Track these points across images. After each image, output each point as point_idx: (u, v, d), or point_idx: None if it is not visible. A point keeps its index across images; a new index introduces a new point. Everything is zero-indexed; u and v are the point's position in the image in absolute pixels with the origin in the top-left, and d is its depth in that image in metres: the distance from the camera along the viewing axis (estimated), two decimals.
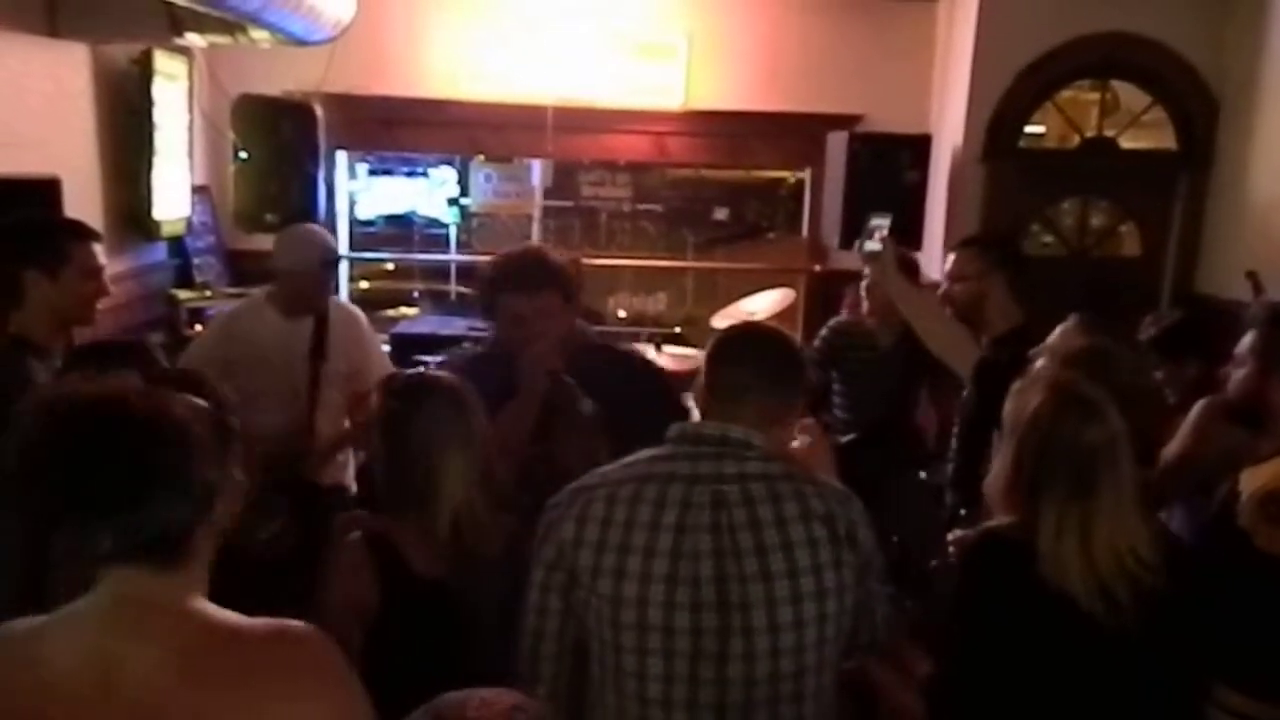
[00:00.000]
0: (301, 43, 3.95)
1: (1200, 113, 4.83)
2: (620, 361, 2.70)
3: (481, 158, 7.69)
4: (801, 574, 1.59)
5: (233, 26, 3.72)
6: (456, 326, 4.73)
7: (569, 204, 9.18)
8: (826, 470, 1.83)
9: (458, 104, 5.14)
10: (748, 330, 1.91)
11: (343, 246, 5.34)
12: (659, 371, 2.95)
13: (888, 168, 4.74)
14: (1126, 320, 3.06)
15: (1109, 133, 5.04)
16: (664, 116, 5.30)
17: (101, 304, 2.57)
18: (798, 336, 3.97)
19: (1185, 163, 4.92)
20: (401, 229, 8.91)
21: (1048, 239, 5.22)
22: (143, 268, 4.44)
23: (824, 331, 3.83)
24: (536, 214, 8.59)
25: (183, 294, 4.61)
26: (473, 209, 8.57)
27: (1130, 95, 5.02)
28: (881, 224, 2.71)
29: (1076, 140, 5.12)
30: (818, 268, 5.45)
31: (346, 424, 3.13)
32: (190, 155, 4.57)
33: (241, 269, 4.96)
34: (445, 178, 8.72)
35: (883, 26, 5.25)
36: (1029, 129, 5.07)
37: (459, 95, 5.13)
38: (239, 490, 1.31)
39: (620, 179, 8.46)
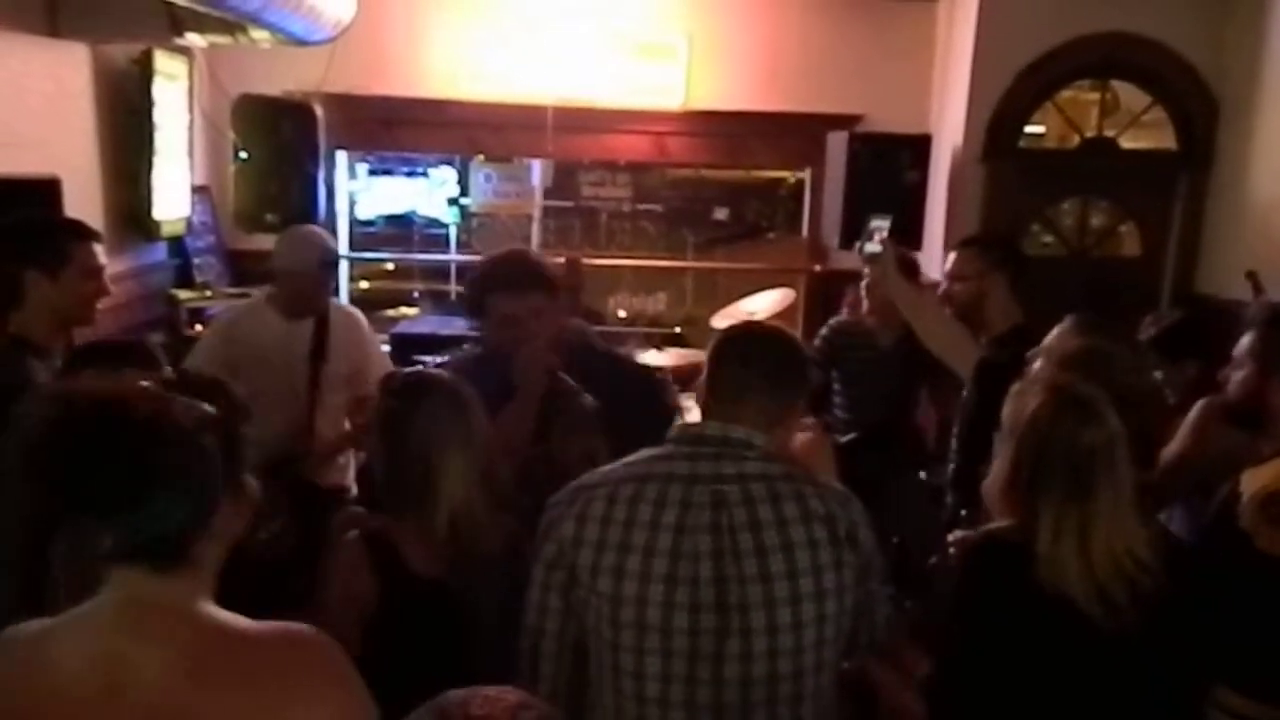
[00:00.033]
0: (302, 43, 3.95)
1: (1200, 113, 4.83)
2: (615, 364, 2.71)
3: (481, 158, 7.68)
4: (801, 575, 1.59)
5: (233, 26, 3.72)
6: (456, 326, 4.72)
7: (569, 204, 9.17)
8: (827, 470, 1.83)
9: (458, 104, 5.14)
10: (750, 330, 1.90)
11: (343, 246, 5.35)
12: (652, 375, 2.96)
13: (888, 168, 4.74)
14: (1127, 320, 3.05)
15: (1109, 133, 5.04)
16: (664, 116, 5.30)
17: (102, 304, 2.57)
18: (798, 336, 3.97)
19: (1185, 163, 4.92)
20: (401, 229, 8.91)
21: (1048, 239, 5.22)
22: (143, 268, 4.45)
23: (824, 331, 3.83)
24: (536, 214, 8.58)
25: (183, 294, 4.61)
26: (473, 209, 8.56)
27: (1130, 95, 5.02)
28: (882, 225, 2.72)
29: (1076, 140, 5.12)
30: (818, 268, 5.46)
31: (347, 425, 3.13)
32: (190, 155, 4.57)
33: (242, 269, 4.96)
34: (445, 178, 8.72)
35: (883, 26, 5.25)
36: (1029, 129, 5.07)
37: (459, 95, 5.13)
38: (252, 498, 1.31)
39: (620, 179, 8.45)
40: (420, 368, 2.38)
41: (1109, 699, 1.76)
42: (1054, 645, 1.76)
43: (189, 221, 4.66)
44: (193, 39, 4.01)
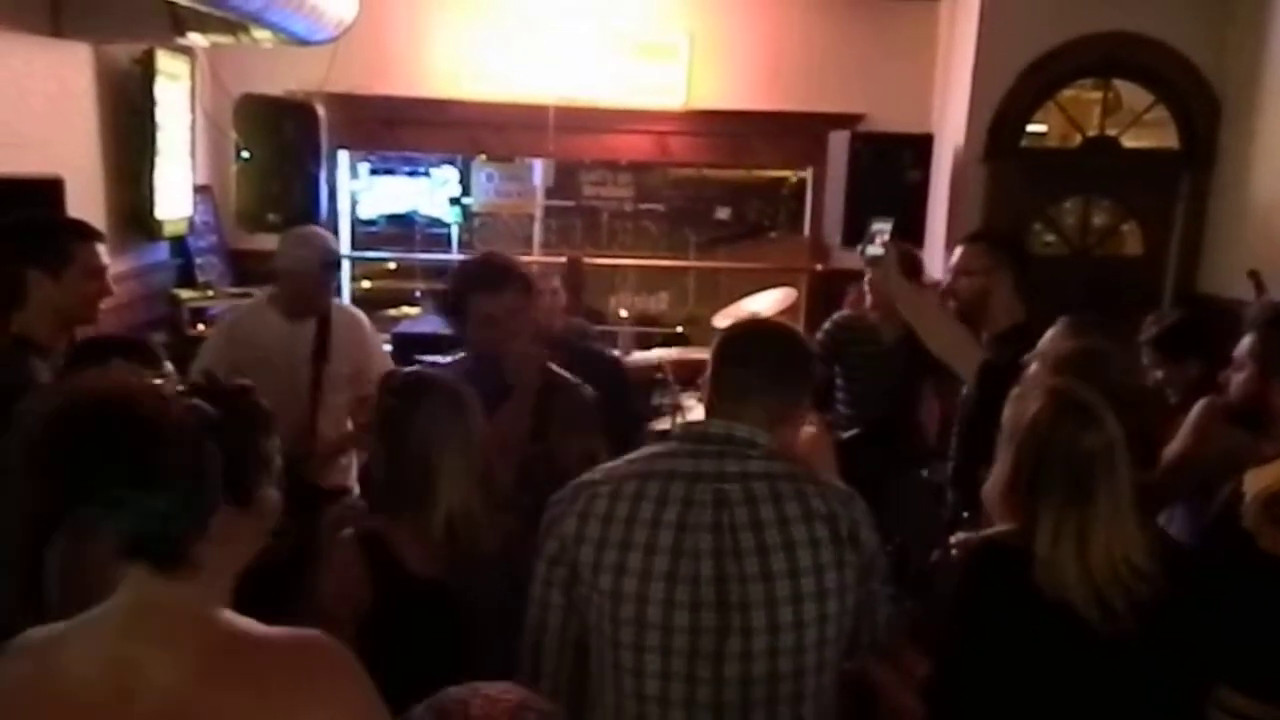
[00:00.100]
0: (304, 42, 3.96)
1: (1202, 112, 4.83)
2: (588, 360, 2.74)
3: (483, 157, 7.69)
4: (803, 574, 1.59)
5: (235, 26, 3.73)
6: None
7: (571, 204, 9.17)
8: (828, 468, 1.83)
9: (459, 104, 5.15)
10: (754, 328, 1.89)
11: (344, 246, 5.35)
12: (624, 372, 2.98)
13: (889, 167, 4.74)
14: (1128, 320, 3.05)
15: (1111, 132, 5.04)
16: (666, 116, 5.30)
17: (104, 304, 2.57)
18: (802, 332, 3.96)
19: (1187, 162, 4.92)
20: (403, 228, 8.92)
21: (1050, 238, 5.22)
22: (145, 267, 4.45)
23: (827, 325, 3.83)
24: (538, 214, 8.57)
25: (185, 294, 4.62)
26: (474, 208, 8.57)
27: (1132, 94, 5.02)
28: (883, 228, 2.71)
29: (1078, 139, 5.12)
30: (819, 267, 5.46)
31: (349, 426, 3.13)
32: (192, 155, 4.57)
33: (243, 269, 4.97)
34: (447, 177, 8.73)
35: (884, 26, 5.25)
36: (1031, 128, 5.07)
37: (461, 95, 5.14)
38: (268, 509, 1.31)
39: (622, 178, 8.45)
40: (419, 368, 2.38)
41: (1107, 703, 1.76)
42: (1052, 649, 1.76)
43: (191, 221, 4.66)
44: (195, 39, 4.02)
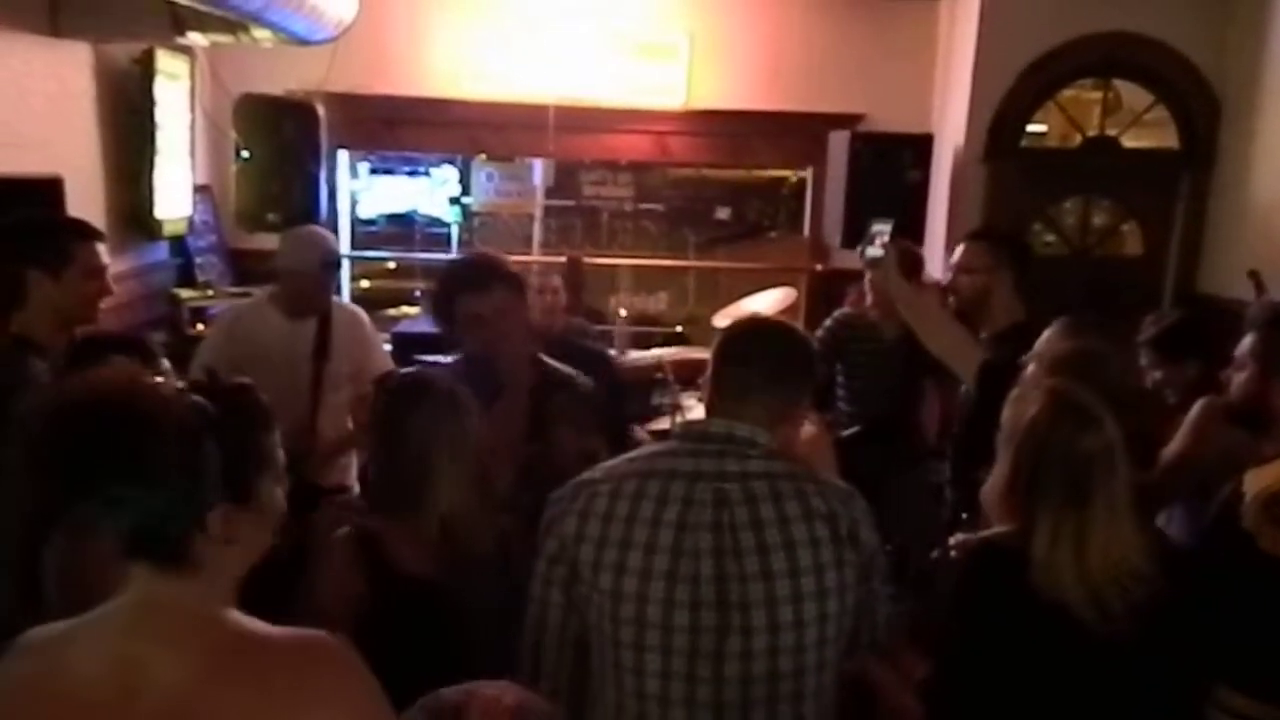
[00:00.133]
0: (303, 42, 3.95)
1: (1202, 112, 4.83)
2: (582, 358, 2.74)
3: (483, 157, 7.70)
4: (803, 573, 1.59)
5: (235, 26, 3.72)
6: None
7: (571, 203, 9.18)
8: (827, 467, 1.83)
9: (459, 103, 5.15)
10: (755, 327, 1.87)
11: (344, 246, 5.35)
12: (617, 372, 2.98)
13: (889, 167, 4.73)
14: (1128, 320, 3.05)
15: (1111, 132, 5.04)
16: (665, 116, 5.29)
17: (104, 304, 2.57)
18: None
19: (1187, 162, 4.92)
20: (403, 228, 8.93)
21: (1050, 238, 5.22)
22: (145, 267, 4.45)
23: (828, 323, 3.83)
24: (538, 213, 8.58)
25: (185, 293, 4.62)
26: (474, 208, 8.58)
27: (1132, 94, 5.02)
28: (883, 229, 2.71)
29: (1078, 139, 5.12)
30: (819, 267, 5.45)
31: (350, 425, 3.13)
32: (192, 155, 4.57)
33: (243, 268, 4.97)
34: (447, 177, 8.74)
35: (884, 26, 5.25)
36: (1031, 128, 5.07)
37: (461, 95, 5.14)
38: (271, 506, 1.30)
39: (622, 178, 8.46)
40: (416, 369, 2.37)
41: (1104, 704, 1.77)
42: (1049, 650, 1.76)
43: (191, 221, 4.66)
44: (194, 38, 4.01)
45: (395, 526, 1.94)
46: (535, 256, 7.00)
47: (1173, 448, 2.65)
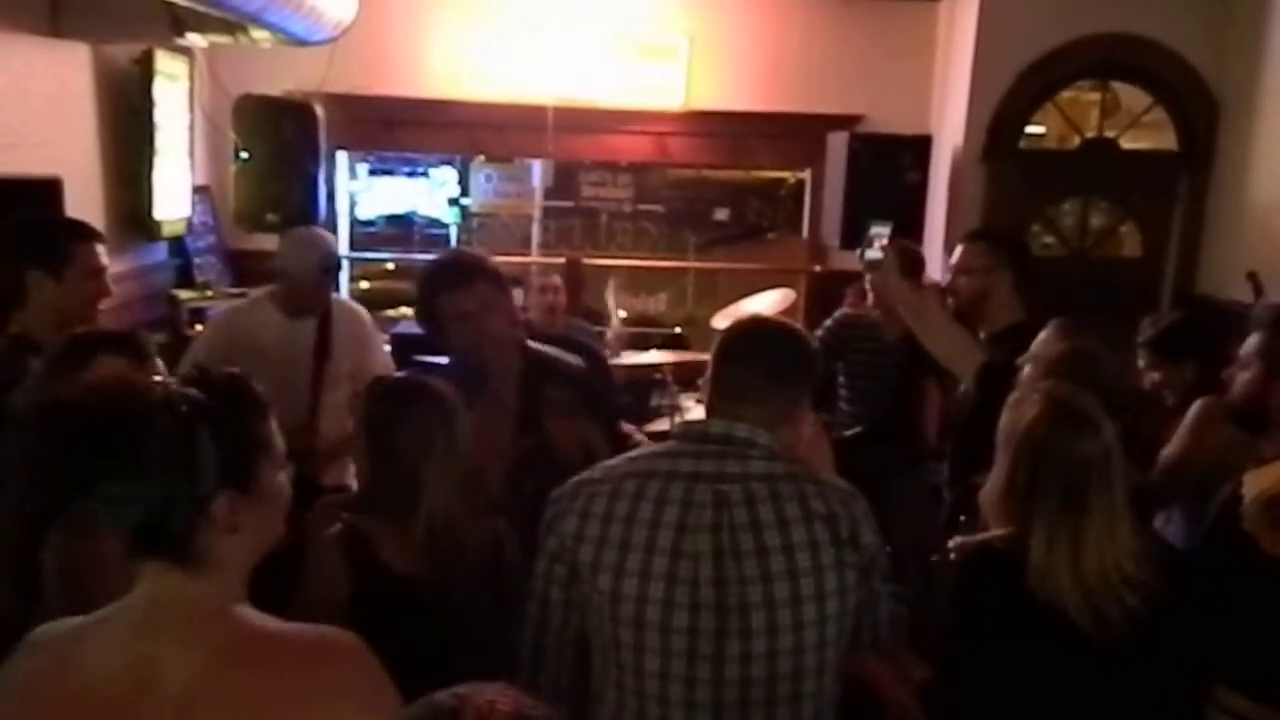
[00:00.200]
0: (303, 43, 3.95)
1: (1201, 113, 4.84)
2: (572, 349, 2.73)
3: (482, 158, 7.68)
4: (802, 575, 1.59)
5: (234, 26, 3.72)
6: None
7: (570, 204, 9.16)
8: (825, 468, 1.82)
9: (458, 104, 5.15)
10: (755, 327, 1.85)
11: (343, 246, 5.35)
12: (604, 363, 2.96)
13: (888, 168, 4.74)
14: (1127, 321, 3.06)
15: (1109, 133, 5.04)
16: (665, 117, 5.30)
17: (103, 304, 2.57)
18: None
19: (1186, 163, 4.93)
20: (402, 229, 8.92)
21: (1048, 239, 5.22)
22: (144, 268, 4.45)
23: (829, 322, 3.83)
24: (537, 214, 8.57)
25: (184, 294, 4.61)
26: (473, 209, 8.56)
27: (1131, 96, 5.03)
28: (882, 231, 2.71)
29: (1077, 141, 5.12)
30: (818, 268, 5.46)
31: (350, 424, 3.12)
32: (191, 155, 4.57)
33: (242, 269, 4.96)
34: (446, 178, 8.73)
35: (883, 27, 5.25)
36: (1029, 129, 5.08)
37: (460, 95, 5.14)
38: (274, 496, 1.29)
39: (621, 179, 8.44)
40: (404, 374, 2.36)
41: (1100, 708, 1.77)
42: (1045, 654, 1.76)
43: (190, 222, 4.66)
44: (193, 39, 4.01)
45: (386, 526, 1.93)
46: (534, 257, 7.00)
47: (1171, 449, 2.65)
